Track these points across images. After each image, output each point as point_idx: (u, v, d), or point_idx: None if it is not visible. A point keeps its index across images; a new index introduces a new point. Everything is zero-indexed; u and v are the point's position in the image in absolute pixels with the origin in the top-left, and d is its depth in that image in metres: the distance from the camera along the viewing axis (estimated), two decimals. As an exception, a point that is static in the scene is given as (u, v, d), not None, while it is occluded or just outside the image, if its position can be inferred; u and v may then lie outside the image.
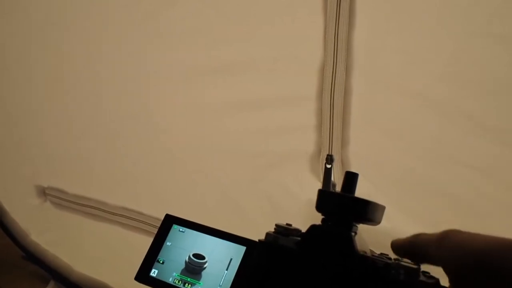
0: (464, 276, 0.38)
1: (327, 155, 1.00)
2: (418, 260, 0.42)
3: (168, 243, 0.50)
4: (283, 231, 0.45)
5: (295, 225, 0.46)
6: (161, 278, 0.48)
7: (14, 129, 1.52)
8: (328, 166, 0.52)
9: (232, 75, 1.11)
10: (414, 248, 0.43)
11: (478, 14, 0.83)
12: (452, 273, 0.39)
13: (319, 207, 0.45)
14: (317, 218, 0.45)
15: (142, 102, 1.26)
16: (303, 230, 0.45)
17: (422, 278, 0.40)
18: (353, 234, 0.43)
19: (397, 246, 0.45)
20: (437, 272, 0.41)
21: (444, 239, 0.40)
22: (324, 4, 0.93)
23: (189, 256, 0.48)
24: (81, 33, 1.25)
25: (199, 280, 0.47)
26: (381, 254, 0.45)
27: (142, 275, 0.49)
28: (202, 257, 0.48)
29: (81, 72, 1.31)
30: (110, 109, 1.32)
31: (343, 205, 0.44)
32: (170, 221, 0.51)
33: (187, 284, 0.47)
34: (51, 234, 1.64)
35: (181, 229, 0.51)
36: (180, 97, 1.21)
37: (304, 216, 1.02)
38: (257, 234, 0.46)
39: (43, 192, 1.58)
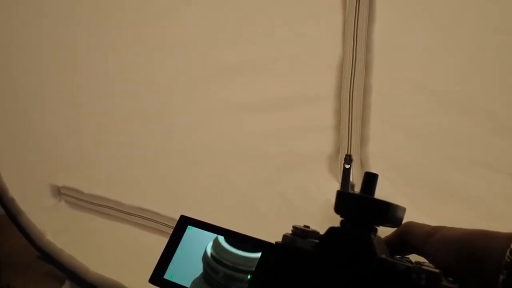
0: (449, 265, 0.41)
1: (346, 155, 0.99)
2: (406, 252, 0.46)
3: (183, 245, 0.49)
4: (300, 233, 0.44)
5: (313, 227, 0.45)
6: (175, 280, 0.47)
7: (29, 129, 1.52)
8: (347, 166, 0.51)
9: (247, 75, 1.10)
10: (402, 238, 0.46)
11: (499, 10, 0.81)
12: (440, 266, 0.41)
13: (338, 208, 0.44)
14: (335, 220, 0.44)
15: (156, 103, 1.26)
16: (321, 232, 0.44)
17: (444, 283, 0.39)
18: (372, 236, 0.43)
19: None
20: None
21: (433, 236, 0.44)
22: None
23: (204, 258, 0.48)
24: (91, 34, 1.25)
25: (214, 283, 0.46)
26: (402, 257, 0.44)
27: (157, 277, 0.48)
28: (218, 259, 0.47)
29: (95, 73, 1.31)
30: (124, 110, 1.33)
31: (363, 207, 0.43)
32: (185, 222, 0.50)
33: (202, 286, 0.46)
34: (67, 234, 1.64)
35: (196, 231, 0.50)
36: (195, 98, 1.20)
37: (322, 218, 1.01)
38: (274, 236, 0.46)
39: (58, 192, 1.59)
